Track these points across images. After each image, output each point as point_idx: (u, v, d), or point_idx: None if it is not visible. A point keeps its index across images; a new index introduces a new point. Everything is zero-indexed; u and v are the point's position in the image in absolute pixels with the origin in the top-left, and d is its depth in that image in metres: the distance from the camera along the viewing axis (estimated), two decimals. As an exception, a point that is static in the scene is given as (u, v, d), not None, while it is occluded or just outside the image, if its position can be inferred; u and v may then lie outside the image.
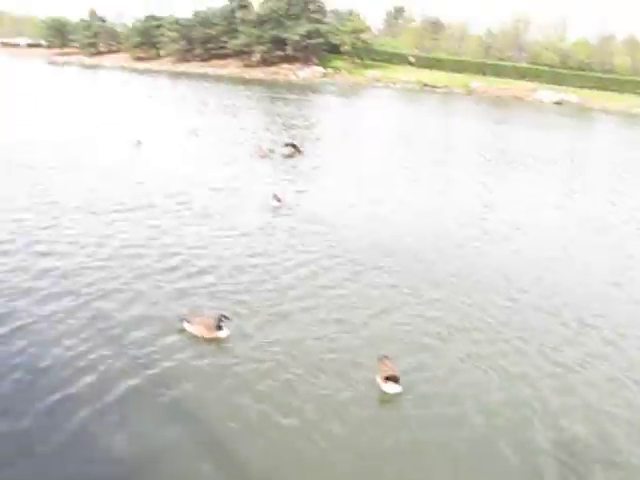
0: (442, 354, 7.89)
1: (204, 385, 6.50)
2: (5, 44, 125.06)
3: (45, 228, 11.10)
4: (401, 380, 6.78)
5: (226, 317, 7.22)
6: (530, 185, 18.99)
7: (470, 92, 75.01)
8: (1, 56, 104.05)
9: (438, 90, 75.06)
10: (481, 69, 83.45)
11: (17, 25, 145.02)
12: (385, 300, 9.18)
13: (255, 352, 7.11)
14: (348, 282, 9.68)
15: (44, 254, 9.81)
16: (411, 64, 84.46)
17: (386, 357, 7.12)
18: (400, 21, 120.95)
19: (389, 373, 6.81)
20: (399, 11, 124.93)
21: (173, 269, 9.54)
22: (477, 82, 77.43)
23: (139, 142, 20.64)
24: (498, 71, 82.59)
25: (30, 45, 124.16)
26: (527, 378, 7.47)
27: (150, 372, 6.61)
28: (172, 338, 7.31)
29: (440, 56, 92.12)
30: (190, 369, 6.74)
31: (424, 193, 16.53)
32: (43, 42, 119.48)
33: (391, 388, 6.79)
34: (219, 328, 7.18)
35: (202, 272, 9.45)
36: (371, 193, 15.92)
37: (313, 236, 11.79)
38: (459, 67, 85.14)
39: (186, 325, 7.32)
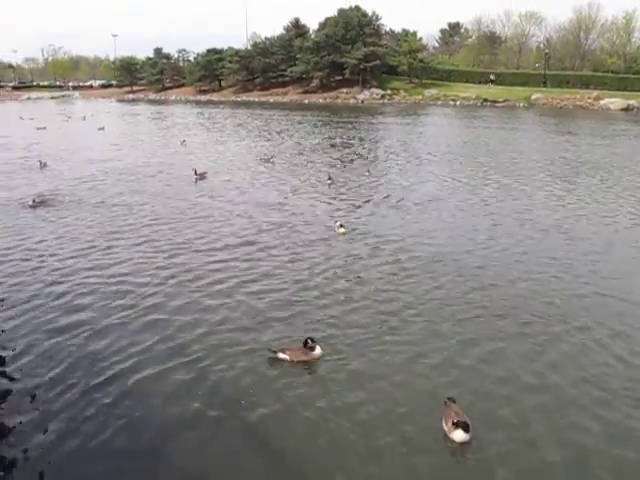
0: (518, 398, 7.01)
1: (289, 409, 6.69)
2: (81, 86, 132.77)
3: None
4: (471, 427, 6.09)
5: (312, 339, 7.55)
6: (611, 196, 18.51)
7: (531, 104, 74.18)
8: (78, 97, 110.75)
9: (498, 104, 74.57)
10: (542, 80, 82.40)
11: (92, 69, 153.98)
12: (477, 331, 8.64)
13: (336, 382, 7.20)
14: (437, 312, 9.21)
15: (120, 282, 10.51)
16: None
17: (452, 400, 6.56)
18: (456, 38, 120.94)
19: (457, 419, 6.16)
20: (454, 28, 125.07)
21: (261, 295, 9.82)
22: (538, 94, 76.50)
23: (201, 176, 21.19)
24: (560, 81, 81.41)
25: (103, 86, 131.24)
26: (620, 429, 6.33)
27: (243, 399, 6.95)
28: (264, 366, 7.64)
29: (499, 70, 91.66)
30: (279, 393, 6.99)
31: (499, 211, 16.20)
32: (114, 82, 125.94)
33: (459, 436, 6.11)
34: (311, 349, 7.49)
35: (292, 301, 9.59)
36: (437, 213, 15.93)
37: (379, 264, 11.58)
38: (519, 80, 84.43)
39: (280, 354, 7.63)
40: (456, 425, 6.11)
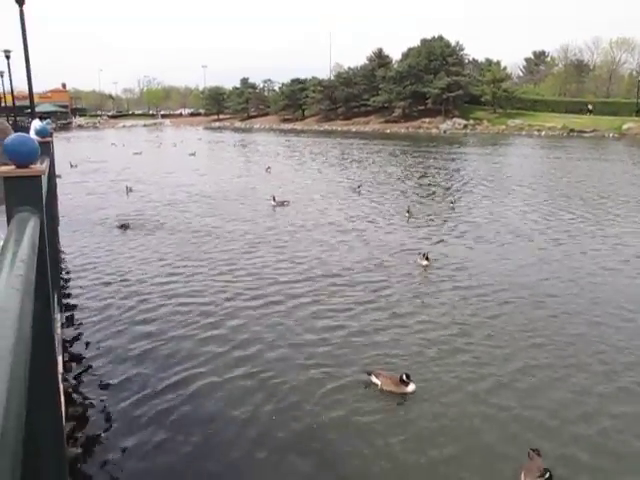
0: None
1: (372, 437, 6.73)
2: (171, 115, 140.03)
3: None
4: None
5: (408, 376, 7.57)
6: None
7: (622, 135, 71.53)
8: (168, 125, 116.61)
9: (586, 135, 72.36)
10: (635, 109, 79.34)
11: (182, 98, 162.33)
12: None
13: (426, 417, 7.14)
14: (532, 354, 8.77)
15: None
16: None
17: (537, 452, 5.99)
18: (541, 67, 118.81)
19: (538, 474, 5.61)
20: (540, 56, 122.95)
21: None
22: (630, 123, 73.69)
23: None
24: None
25: (192, 114, 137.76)
26: None
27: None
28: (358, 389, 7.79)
29: (587, 99, 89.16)
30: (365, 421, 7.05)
31: (586, 246, 15.79)
32: (202, 110, 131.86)
33: None
34: (405, 384, 7.54)
35: (378, 329, 9.70)
36: (523, 247, 15.55)
37: (464, 297, 11.43)
38: (609, 109, 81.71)
39: (373, 378, 7.79)
40: None
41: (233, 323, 9.98)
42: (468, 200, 23.00)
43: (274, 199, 21.67)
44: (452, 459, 6.31)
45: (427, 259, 13.41)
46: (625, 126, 73.20)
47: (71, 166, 35.78)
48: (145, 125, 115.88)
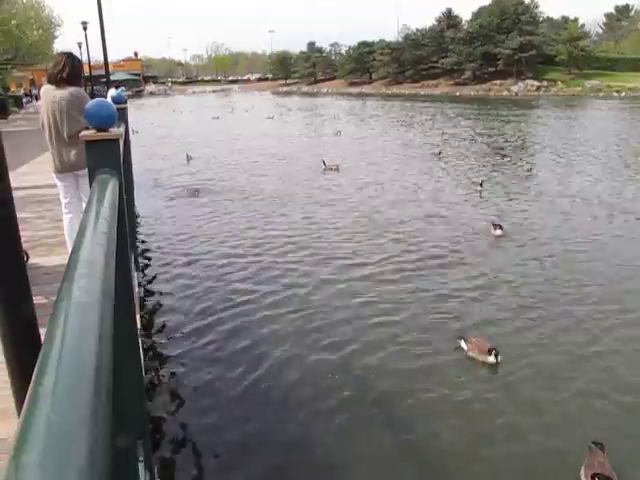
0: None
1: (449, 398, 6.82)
2: (239, 80, 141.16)
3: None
4: None
5: (496, 351, 7.44)
6: None
7: None
8: (237, 91, 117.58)
9: (673, 96, 68.04)
10: None
11: (250, 63, 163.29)
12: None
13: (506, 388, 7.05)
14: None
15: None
16: None
17: (600, 446, 5.51)
18: (624, 22, 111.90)
19: (599, 472, 5.19)
20: (622, 11, 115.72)
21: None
22: None
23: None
24: None
25: (259, 79, 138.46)
26: None
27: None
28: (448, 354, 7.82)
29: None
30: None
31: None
32: (269, 75, 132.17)
33: None
34: (490, 353, 7.49)
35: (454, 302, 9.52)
36: (600, 217, 14.86)
37: (539, 268, 11.12)
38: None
39: (462, 343, 7.85)
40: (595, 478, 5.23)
41: (309, 285, 10.14)
42: (542, 168, 22.14)
43: (324, 163, 21.81)
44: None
45: (501, 228, 12.98)
46: None
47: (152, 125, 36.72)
48: (214, 91, 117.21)
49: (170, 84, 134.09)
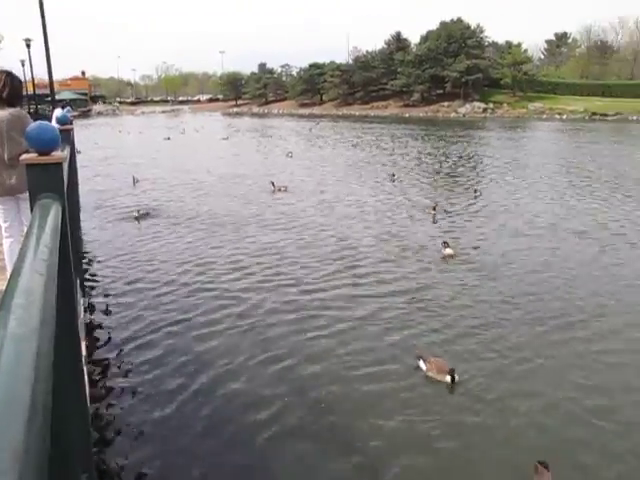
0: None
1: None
2: (189, 101, 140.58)
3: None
4: None
5: (453, 372, 7.49)
6: None
7: (646, 118, 70.29)
8: (186, 111, 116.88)
9: (609, 118, 71.16)
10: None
11: (200, 84, 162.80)
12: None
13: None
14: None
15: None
16: None
17: (544, 465, 5.52)
18: (563, 49, 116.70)
19: None
20: (561, 38, 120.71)
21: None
22: (654, 106, 72.32)
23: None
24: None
25: (210, 100, 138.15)
26: None
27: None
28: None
29: (610, 82, 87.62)
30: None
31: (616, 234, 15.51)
32: (220, 96, 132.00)
33: None
34: (448, 374, 7.48)
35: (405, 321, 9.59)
36: (549, 237, 15.24)
37: (489, 288, 11.34)
38: (632, 92, 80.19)
39: (421, 362, 7.84)
40: None
41: (256, 311, 10.05)
42: (491, 187, 22.69)
43: (273, 185, 21.91)
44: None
45: (450, 247, 13.12)
46: (649, 109, 71.87)
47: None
48: (163, 112, 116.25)
49: (117, 104, 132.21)
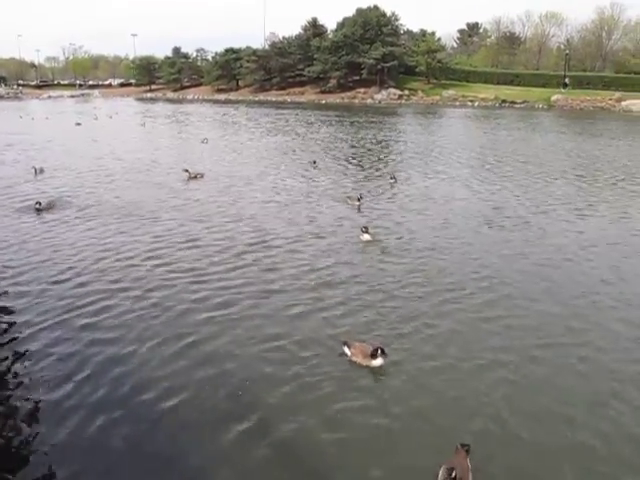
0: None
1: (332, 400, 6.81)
2: (100, 85, 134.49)
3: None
4: None
5: (383, 351, 7.45)
6: None
7: (551, 106, 73.65)
8: (97, 96, 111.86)
9: (517, 106, 74.16)
10: (562, 82, 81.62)
11: (112, 68, 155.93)
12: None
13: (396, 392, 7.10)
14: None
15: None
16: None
17: (467, 447, 5.73)
18: (475, 38, 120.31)
19: (449, 467, 5.43)
20: (473, 28, 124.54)
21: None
22: (558, 95, 75.90)
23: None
24: (580, 82, 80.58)
25: (122, 85, 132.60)
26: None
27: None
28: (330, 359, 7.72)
29: (518, 71, 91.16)
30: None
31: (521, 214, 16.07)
32: (133, 81, 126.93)
33: None
34: (374, 357, 7.47)
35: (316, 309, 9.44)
36: (460, 218, 15.70)
37: (407, 271, 11.38)
38: (538, 81, 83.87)
39: (345, 349, 7.75)
40: (445, 471, 5.41)
41: (171, 302, 9.61)
42: (406, 173, 22.94)
43: (187, 171, 21.24)
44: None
45: (368, 233, 13.13)
46: (553, 97, 75.45)
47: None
48: (73, 96, 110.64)
49: (17, 87, 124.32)
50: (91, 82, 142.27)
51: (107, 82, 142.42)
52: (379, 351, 7.44)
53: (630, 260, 12.27)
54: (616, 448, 6.11)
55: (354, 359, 7.58)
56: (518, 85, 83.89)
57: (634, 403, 6.88)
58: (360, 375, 7.38)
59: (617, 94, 73.58)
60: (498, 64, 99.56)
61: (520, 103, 74.99)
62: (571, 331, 8.76)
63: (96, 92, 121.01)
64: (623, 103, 70.88)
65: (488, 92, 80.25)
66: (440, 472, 5.47)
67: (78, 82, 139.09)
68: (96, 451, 5.91)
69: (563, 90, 78.48)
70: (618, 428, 6.40)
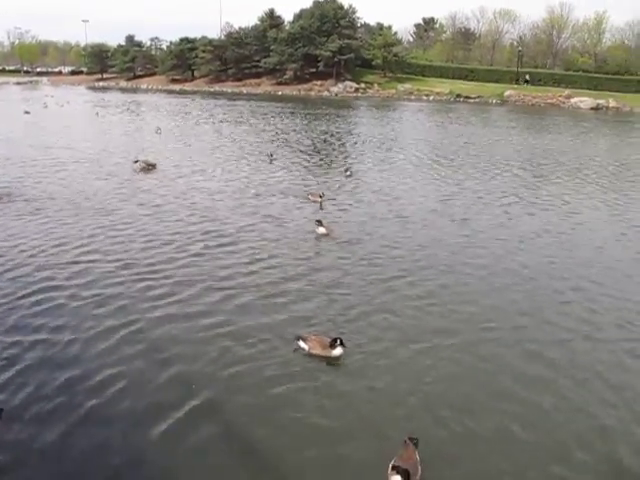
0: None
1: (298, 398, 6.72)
2: (49, 72, 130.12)
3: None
4: None
5: (342, 342, 7.43)
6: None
7: (504, 101, 75.13)
8: (46, 84, 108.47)
9: (471, 100, 75.38)
10: (514, 78, 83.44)
11: (61, 55, 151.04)
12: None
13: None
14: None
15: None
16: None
17: (415, 441, 5.74)
18: (431, 33, 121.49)
19: (399, 464, 5.33)
20: (429, 23, 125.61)
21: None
22: (511, 90, 77.49)
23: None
24: (532, 79, 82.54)
25: (73, 72, 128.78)
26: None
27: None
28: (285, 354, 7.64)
29: (472, 66, 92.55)
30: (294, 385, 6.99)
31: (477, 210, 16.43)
32: (84, 69, 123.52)
33: None
34: (332, 347, 7.44)
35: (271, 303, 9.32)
36: (414, 211, 15.99)
37: (363, 264, 11.43)
38: (492, 76, 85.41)
39: (301, 343, 7.64)
40: (395, 471, 5.30)
41: (124, 295, 9.42)
42: (361, 167, 23.01)
43: (137, 162, 20.80)
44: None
45: (323, 226, 13.14)
46: (506, 93, 77.05)
47: None
48: (19, 83, 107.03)
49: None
50: (39, 69, 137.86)
51: (57, 69, 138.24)
52: (338, 341, 7.44)
53: (568, 250, 12.78)
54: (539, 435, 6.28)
55: (313, 352, 7.52)
56: (473, 80, 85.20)
57: (562, 392, 7.09)
58: (315, 367, 7.39)
59: (567, 91, 75.66)
60: (453, 59, 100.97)
61: (474, 98, 76.22)
62: (507, 318, 9.14)
63: (44, 79, 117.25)
64: (572, 100, 72.84)
65: (443, 86, 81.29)
66: (389, 469, 5.39)
67: (25, 69, 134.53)
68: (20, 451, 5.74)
69: (525, 86, 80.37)
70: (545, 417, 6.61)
